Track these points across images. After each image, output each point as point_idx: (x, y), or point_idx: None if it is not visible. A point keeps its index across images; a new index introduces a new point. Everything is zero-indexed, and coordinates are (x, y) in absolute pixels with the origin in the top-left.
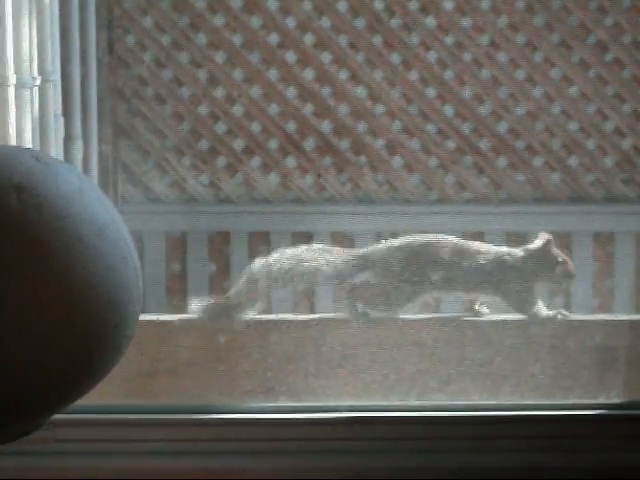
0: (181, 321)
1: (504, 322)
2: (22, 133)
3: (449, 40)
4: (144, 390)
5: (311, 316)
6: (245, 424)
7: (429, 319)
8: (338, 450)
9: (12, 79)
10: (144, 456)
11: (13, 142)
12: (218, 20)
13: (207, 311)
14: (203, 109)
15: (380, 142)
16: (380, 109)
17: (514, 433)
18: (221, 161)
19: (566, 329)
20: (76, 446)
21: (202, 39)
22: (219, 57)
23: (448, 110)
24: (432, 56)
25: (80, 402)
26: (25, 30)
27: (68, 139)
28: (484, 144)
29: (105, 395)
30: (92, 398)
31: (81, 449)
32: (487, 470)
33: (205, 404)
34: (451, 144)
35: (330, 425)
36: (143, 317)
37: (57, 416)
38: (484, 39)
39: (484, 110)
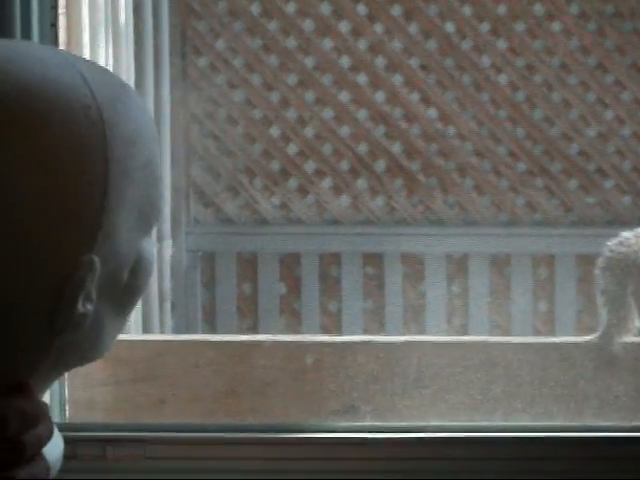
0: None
1: None
2: None
3: (520, 62)
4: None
5: None
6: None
7: None
8: (423, 470)
9: None
10: (230, 475)
11: None
12: (290, 42)
13: (606, 336)
14: (275, 131)
15: (451, 164)
16: (451, 131)
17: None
18: (292, 182)
19: None
20: (165, 464)
21: (274, 61)
22: (291, 79)
23: (519, 132)
24: (503, 78)
25: (172, 420)
26: (101, 52)
27: None
28: (555, 166)
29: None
30: (177, 417)
31: (169, 467)
32: None
33: (288, 423)
34: (522, 166)
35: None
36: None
37: (148, 434)
38: (555, 61)
39: (555, 132)
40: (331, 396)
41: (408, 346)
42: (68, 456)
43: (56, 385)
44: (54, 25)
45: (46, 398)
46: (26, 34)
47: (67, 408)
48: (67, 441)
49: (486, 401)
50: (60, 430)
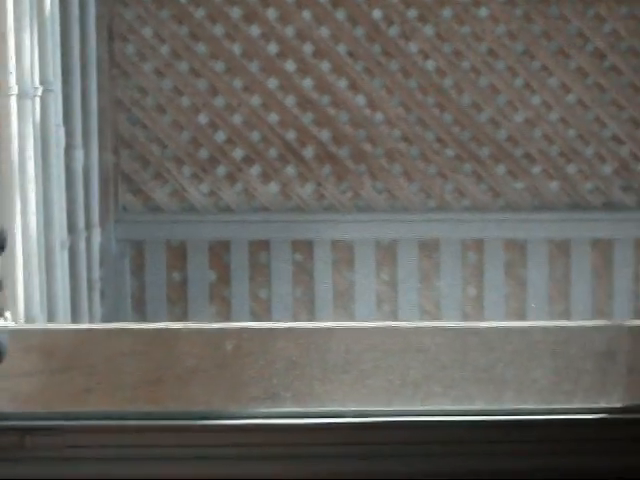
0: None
1: None
2: (24, 142)
3: (447, 48)
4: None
5: None
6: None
7: None
8: (343, 455)
9: (14, 89)
10: (151, 462)
11: (15, 151)
12: (218, 30)
13: None
14: (203, 118)
15: (379, 150)
16: (379, 117)
17: (516, 437)
18: (221, 170)
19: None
20: (85, 452)
21: (202, 48)
22: (219, 66)
23: (447, 118)
24: (430, 64)
25: (89, 408)
26: (26, 41)
27: (69, 148)
28: (483, 152)
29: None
30: (102, 406)
31: (89, 455)
32: (488, 473)
33: (209, 410)
34: (450, 152)
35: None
36: (151, 325)
37: (67, 422)
38: (482, 47)
39: (482, 118)
40: (251, 382)
41: (330, 332)
42: None
43: None
44: None
45: None
46: None
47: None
48: None
49: (405, 385)
50: None
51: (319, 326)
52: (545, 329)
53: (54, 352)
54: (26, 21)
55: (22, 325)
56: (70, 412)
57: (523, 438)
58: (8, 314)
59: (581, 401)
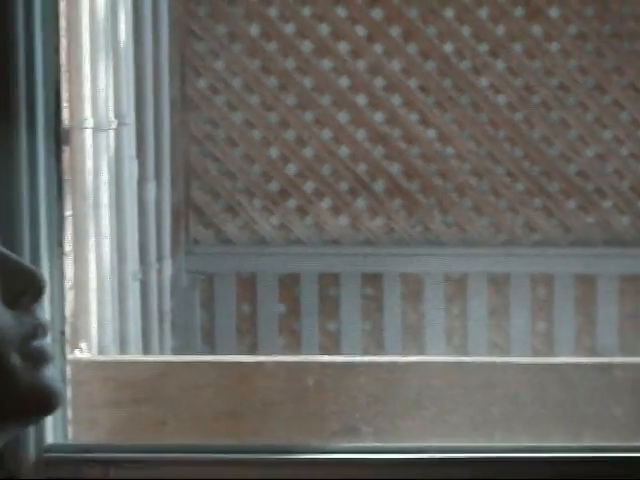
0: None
1: None
2: (98, 174)
3: (518, 83)
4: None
5: None
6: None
7: None
8: None
9: (90, 122)
10: None
11: (90, 183)
12: (289, 63)
13: None
14: (274, 151)
15: (450, 184)
16: (450, 151)
17: (595, 475)
18: (292, 203)
19: None
20: None
21: (273, 82)
22: (290, 100)
23: (518, 152)
24: (502, 99)
25: (165, 441)
26: (102, 75)
27: (141, 181)
28: (553, 186)
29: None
30: (178, 438)
31: None
32: None
33: (290, 444)
34: (520, 186)
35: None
36: (227, 358)
37: (150, 455)
38: (553, 81)
39: (553, 152)
40: (333, 417)
41: (410, 367)
42: (72, 477)
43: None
44: (57, 51)
45: (49, 419)
46: (30, 58)
47: (69, 429)
48: (71, 462)
49: (485, 421)
50: (63, 451)
51: (400, 360)
52: (624, 365)
53: (130, 384)
54: (101, 55)
55: (100, 357)
56: (153, 445)
57: (603, 476)
58: (84, 345)
59: None
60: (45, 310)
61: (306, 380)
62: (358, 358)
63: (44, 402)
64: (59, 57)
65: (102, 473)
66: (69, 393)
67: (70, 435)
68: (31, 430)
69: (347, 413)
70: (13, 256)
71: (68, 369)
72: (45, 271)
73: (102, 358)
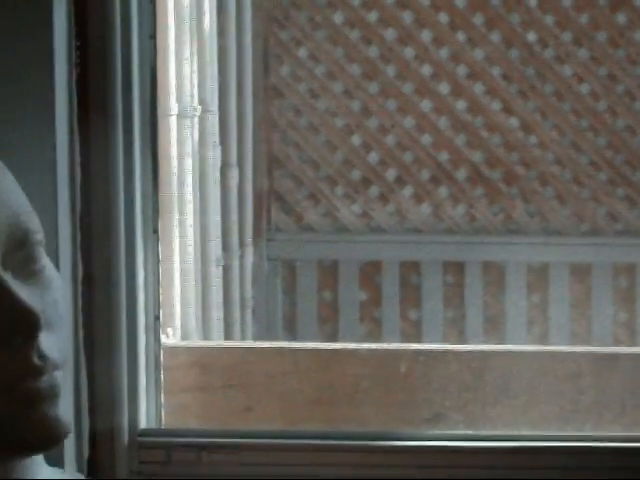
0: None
1: None
2: (183, 161)
3: (602, 71)
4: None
5: None
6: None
7: None
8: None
9: (174, 109)
10: None
11: (174, 169)
12: (372, 51)
13: None
14: (356, 139)
15: (532, 173)
16: (532, 140)
17: None
18: (374, 191)
19: None
20: (260, 470)
21: (356, 70)
22: (372, 88)
23: (601, 141)
24: (585, 87)
25: (250, 427)
26: (187, 61)
27: (224, 167)
28: (637, 175)
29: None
30: (263, 424)
31: (264, 472)
32: None
33: (381, 431)
34: (603, 175)
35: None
36: (312, 345)
37: (243, 440)
38: (637, 70)
39: (637, 141)
40: (424, 404)
41: (499, 355)
42: (164, 461)
43: (152, 390)
44: (153, 37)
45: (142, 403)
46: (126, 45)
47: (162, 413)
48: (163, 446)
49: (576, 411)
50: (156, 435)
51: (490, 349)
52: None
53: (215, 369)
54: (186, 42)
55: (185, 342)
56: (245, 430)
57: None
58: (170, 330)
59: None
60: (139, 299)
61: (397, 367)
62: (449, 346)
63: (39, 440)
64: (155, 44)
65: (195, 457)
66: (163, 378)
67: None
68: (125, 415)
69: (438, 401)
70: (12, 289)
71: (161, 355)
72: (140, 258)
73: (187, 344)
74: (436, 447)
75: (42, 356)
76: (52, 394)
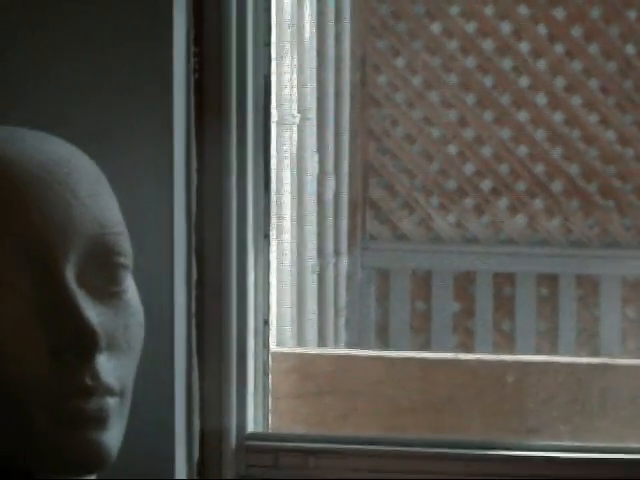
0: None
1: None
2: (281, 168)
3: None
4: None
5: None
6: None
7: None
8: None
9: (274, 116)
10: None
11: (274, 175)
12: (469, 62)
13: None
14: (452, 149)
15: (629, 186)
16: (629, 153)
17: None
18: (469, 201)
19: None
20: (365, 475)
21: (453, 80)
22: (470, 98)
23: None
24: None
25: (346, 433)
26: (287, 68)
27: (321, 175)
28: None
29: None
30: (359, 430)
31: (369, 478)
32: None
33: (487, 440)
34: None
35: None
36: (409, 354)
37: (349, 446)
38: None
39: None
40: (531, 415)
41: (608, 369)
42: (271, 465)
43: (260, 394)
44: (268, 44)
45: (250, 407)
46: (241, 52)
47: (270, 419)
48: (271, 450)
49: None
50: (264, 439)
51: (596, 362)
52: None
53: (312, 376)
54: (286, 50)
55: (282, 348)
56: (353, 436)
57: None
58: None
59: None
60: (249, 303)
61: (504, 378)
62: (556, 358)
63: (77, 464)
64: (270, 51)
65: (302, 462)
66: (270, 383)
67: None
68: (233, 418)
69: (545, 411)
70: (79, 304)
71: (269, 360)
72: (251, 262)
73: (284, 350)
74: (541, 457)
75: (95, 377)
76: (99, 418)
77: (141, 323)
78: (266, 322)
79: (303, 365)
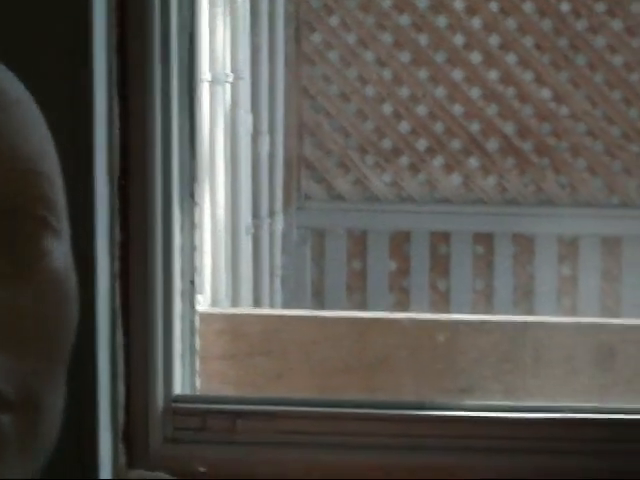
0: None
1: None
2: (214, 127)
3: (635, 43)
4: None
5: None
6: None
7: None
8: (550, 450)
9: (207, 75)
10: (357, 450)
11: (206, 135)
12: (404, 19)
13: None
14: (387, 108)
15: (564, 144)
16: (564, 111)
17: None
18: (404, 160)
19: None
20: (294, 437)
21: (388, 38)
22: (404, 57)
23: (633, 113)
24: (618, 59)
25: (281, 394)
26: (219, 28)
27: (255, 135)
28: None
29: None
30: (294, 391)
31: (298, 440)
32: None
33: (416, 400)
34: (635, 148)
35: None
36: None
37: (277, 407)
38: None
39: None
40: (462, 374)
41: (541, 327)
42: (199, 428)
43: (187, 356)
44: (192, 4)
45: (177, 369)
46: (165, 12)
47: (199, 381)
48: (198, 413)
49: (617, 383)
50: (192, 402)
51: (531, 320)
52: None
53: (245, 337)
54: (219, 9)
55: (215, 309)
56: (280, 398)
57: None
58: (201, 297)
59: None
60: (175, 264)
61: (436, 337)
62: (489, 316)
63: None
64: (195, 8)
65: (229, 424)
66: (198, 344)
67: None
68: (160, 381)
69: (477, 371)
70: None
71: (196, 321)
72: (177, 223)
73: (217, 310)
74: (471, 417)
75: None
76: None
77: (68, 300)
78: (192, 283)
79: (236, 326)
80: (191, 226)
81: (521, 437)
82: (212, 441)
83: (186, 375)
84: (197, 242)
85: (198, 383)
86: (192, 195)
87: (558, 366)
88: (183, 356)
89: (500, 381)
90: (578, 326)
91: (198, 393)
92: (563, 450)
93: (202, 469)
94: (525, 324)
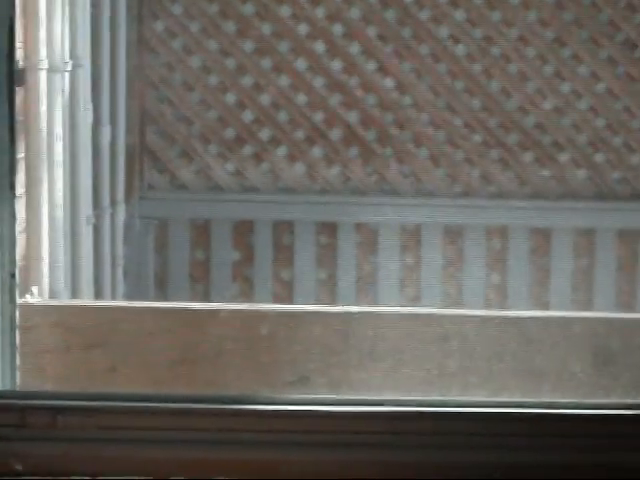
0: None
1: None
2: (53, 116)
3: (478, 34)
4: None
5: None
6: (282, 416)
7: None
8: (376, 444)
9: (44, 63)
10: (181, 445)
11: (44, 125)
12: (247, 9)
13: None
14: (230, 97)
15: (407, 134)
16: (407, 101)
17: (552, 431)
18: (247, 150)
19: None
20: (116, 433)
21: (231, 27)
22: (248, 46)
23: (475, 104)
24: (461, 49)
25: (115, 387)
26: (57, 14)
27: (96, 124)
28: (510, 139)
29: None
30: (127, 385)
31: (120, 436)
32: (523, 466)
33: (241, 394)
34: (477, 138)
35: (370, 419)
36: (179, 305)
37: (99, 403)
38: (513, 33)
39: (511, 104)
40: (286, 367)
41: (365, 317)
42: (18, 424)
43: (7, 351)
44: None
45: None
46: None
47: (17, 375)
48: (17, 409)
49: (442, 375)
50: (10, 397)
51: (355, 311)
52: (585, 320)
53: (80, 329)
54: None
55: (51, 301)
56: (102, 393)
57: (559, 432)
58: (35, 289)
59: (619, 396)
60: None
61: (260, 329)
62: (313, 307)
63: None
64: None
65: (49, 420)
66: (17, 339)
67: (18, 382)
68: None
69: (301, 363)
70: None
71: (17, 314)
72: None
73: (53, 303)
74: (296, 412)
75: None
76: None
77: None
78: (13, 276)
79: (72, 318)
80: (11, 218)
81: (345, 430)
82: (31, 438)
83: (6, 371)
84: (35, 234)
85: (22, 379)
86: (12, 187)
87: (384, 359)
88: (3, 351)
89: (324, 375)
90: (403, 316)
91: (18, 389)
92: (383, 443)
93: (18, 467)
94: (350, 315)
